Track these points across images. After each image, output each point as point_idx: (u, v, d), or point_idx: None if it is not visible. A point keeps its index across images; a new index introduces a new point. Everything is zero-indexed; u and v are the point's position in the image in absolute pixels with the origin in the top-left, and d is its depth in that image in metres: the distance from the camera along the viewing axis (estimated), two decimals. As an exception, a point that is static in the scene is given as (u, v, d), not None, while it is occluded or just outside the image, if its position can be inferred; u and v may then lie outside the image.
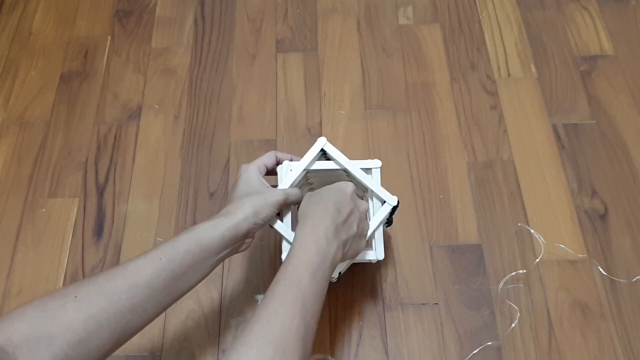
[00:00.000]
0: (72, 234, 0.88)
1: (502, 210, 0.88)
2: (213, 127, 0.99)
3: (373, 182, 0.71)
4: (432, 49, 1.06)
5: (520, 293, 0.81)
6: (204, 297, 0.81)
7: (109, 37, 1.10)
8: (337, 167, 0.72)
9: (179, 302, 0.60)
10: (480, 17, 1.10)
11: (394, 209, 0.71)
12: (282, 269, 0.57)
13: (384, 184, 0.86)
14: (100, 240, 0.87)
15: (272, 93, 1.02)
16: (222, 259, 0.61)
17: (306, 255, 0.57)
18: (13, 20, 1.13)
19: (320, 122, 0.98)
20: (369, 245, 0.73)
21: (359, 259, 0.71)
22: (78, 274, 0.84)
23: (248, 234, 0.63)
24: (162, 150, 0.96)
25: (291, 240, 0.65)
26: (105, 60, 1.07)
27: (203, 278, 0.60)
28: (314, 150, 0.71)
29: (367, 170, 0.72)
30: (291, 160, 0.73)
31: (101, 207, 0.90)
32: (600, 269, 0.82)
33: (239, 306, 0.81)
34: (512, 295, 0.81)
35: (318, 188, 0.74)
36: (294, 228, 0.71)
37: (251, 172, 0.68)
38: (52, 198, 0.91)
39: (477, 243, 0.85)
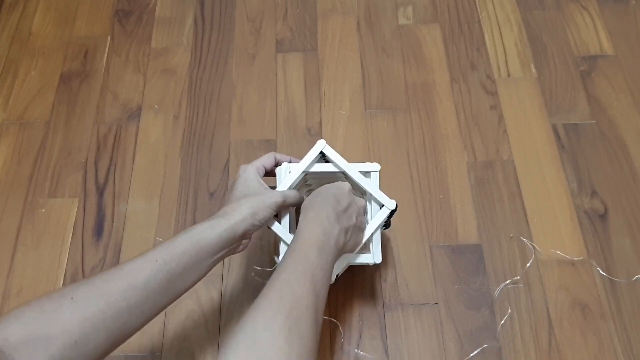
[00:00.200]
0: (72, 234, 0.88)
1: (502, 210, 0.88)
2: (213, 127, 0.99)
3: (371, 185, 0.71)
4: (432, 49, 1.06)
5: (520, 293, 0.81)
6: (204, 297, 0.81)
7: (109, 37, 1.10)
8: (336, 170, 0.72)
9: (179, 302, 0.60)
10: (480, 17, 1.10)
11: (392, 212, 0.71)
12: (289, 249, 0.59)
13: (384, 184, 0.86)
14: (100, 240, 0.87)
15: (272, 93, 1.02)
16: (219, 260, 0.61)
17: (311, 235, 0.60)
18: (13, 20, 1.13)
19: (320, 122, 0.98)
20: (366, 248, 0.73)
21: (356, 261, 0.71)
22: (78, 274, 0.84)
23: (245, 235, 0.63)
24: (162, 150, 0.96)
25: (289, 242, 0.65)
26: (105, 60, 1.07)
27: (200, 279, 0.60)
28: (313, 153, 0.71)
29: (366, 174, 0.72)
30: (290, 162, 0.73)
31: (101, 207, 0.90)
32: (600, 270, 0.82)
33: (239, 306, 0.81)
34: (512, 295, 0.81)
35: (303, 204, 0.74)
36: (292, 230, 0.71)
37: (250, 173, 0.68)
38: (52, 198, 0.91)
39: (477, 243, 0.85)
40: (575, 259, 0.83)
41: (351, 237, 0.66)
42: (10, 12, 1.14)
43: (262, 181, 0.68)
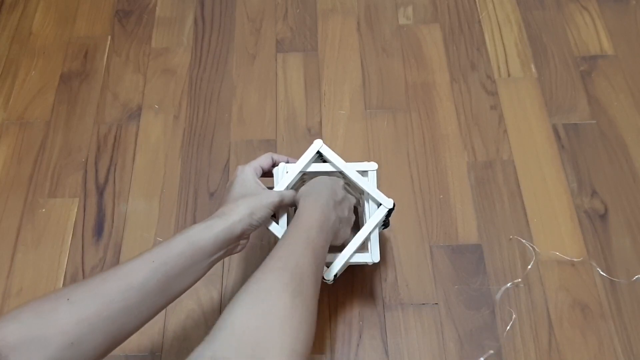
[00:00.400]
0: (72, 234, 0.88)
1: (502, 210, 0.88)
2: (213, 127, 0.99)
3: (369, 184, 0.71)
4: (432, 49, 1.06)
5: (520, 293, 0.81)
6: (203, 297, 0.81)
7: (109, 37, 1.10)
8: (333, 170, 0.72)
9: (178, 302, 0.60)
10: (480, 17, 1.10)
11: (390, 211, 0.71)
12: (290, 227, 0.62)
13: (384, 184, 0.86)
14: (100, 240, 0.87)
15: (272, 93, 1.02)
16: (216, 261, 0.61)
17: (312, 216, 0.63)
18: (13, 20, 1.13)
19: (320, 122, 0.98)
20: (365, 247, 0.73)
21: (355, 261, 0.71)
22: (78, 274, 0.84)
23: (243, 236, 0.63)
24: (162, 150, 0.96)
25: None
26: (105, 60, 1.07)
27: (197, 279, 0.60)
28: (310, 153, 0.71)
29: (363, 173, 0.72)
30: (287, 162, 0.73)
31: (101, 207, 0.90)
32: (599, 270, 0.82)
33: (239, 306, 0.81)
34: (512, 295, 0.81)
35: (303, 187, 0.75)
36: None
37: (247, 174, 0.68)
38: (52, 198, 0.91)
39: (477, 243, 0.85)
40: (575, 259, 0.83)
41: (342, 228, 0.68)
42: (10, 12, 1.14)
43: (259, 181, 0.68)
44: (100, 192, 0.92)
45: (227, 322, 0.47)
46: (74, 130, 0.99)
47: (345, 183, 0.74)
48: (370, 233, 0.70)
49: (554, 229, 0.86)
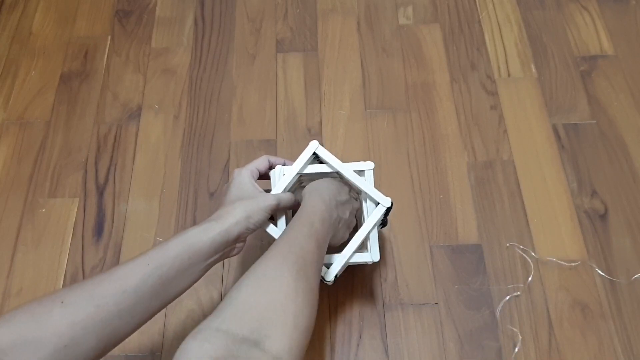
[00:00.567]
0: (72, 234, 0.88)
1: (502, 210, 0.88)
2: (213, 127, 0.99)
3: (366, 184, 0.71)
4: (432, 49, 1.06)
5: (520, 293, 0.81)
6: (204, 297, 0.81)
7: (109, 37, 1.10)
8: (330, 170, 0.71)
9: (179, 302, 0.60)
10: (480, 17, 1.10)
11: (388, 210, 0.71)
12: (294, 218, 0.64)
13: (384, 183, 0.86)
14: (100, 240, 0.87)
15: (272, 93, 1.02)
16: (212, 264, 0.61)
17: (315, 208, 0.65)
18: (13, 20, 1.13)
19: (320, 122, 0.98)
20: (364, 247, 0.73)
21: (354, 260, 0.71)
22: (78, 274, 0.84)
23: (239, 239, 0.63)
24: (162, 150, 0.96)
25: None
26: (105, 60, 1.07)
27: (193, 283, 0.60)
28: (306, 154, 0.71)
29: (360, 173, 0.72)
30: (284, 164, 0.73)
31: (101, 207, 0.90)
32: (599, 271, 0.82)
33: (239, 306, 0.81)
34: (512, 296, 0.81)
35: (308, 184, 0.75)
36: None
37: (244, 177, 0.67)
38: (52, 198, 0.91)
39: (477, 243, 0.85)
40: (575, 259, 0.83)
41: (342, 228, 0.70)
42: (10, 12, 1.14)
43: (256, 184, 0.68)
44: (100, 192, 0.92)
45: (233, 298, 0.49)
46: (74, 130, 0.99)
47: (350, 189, 0.74)
48: (369, 232, 0.70)
49: (554, 229, 0.86)
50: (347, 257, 0.69)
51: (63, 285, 0.84)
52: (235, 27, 1.11)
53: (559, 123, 0.97)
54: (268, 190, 0.70)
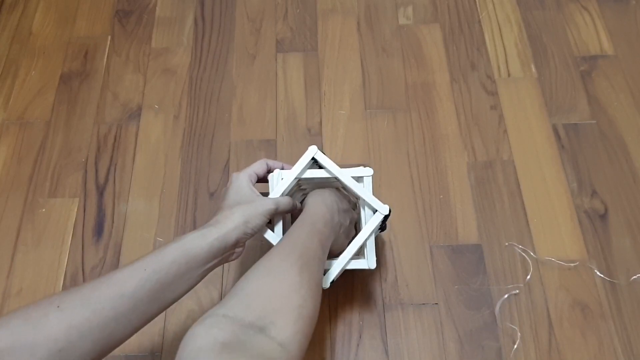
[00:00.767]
0: (72, 234, 0.88)
1: (502, 210, 0.88)
2: (213, 127, 0.99)
3: (364, 190, 0.70)
4: (432, 49, 1.06)
5: (520, 293, 0.81)
6: (204, 297, 0.81)
7: (109, 37, 1.10)
8: (329, 176, 0.71)
9: (179, 302, 0.60)
10: (480, 17, 1.10)
11: (386, 217, 0.71)
12: (297, 220, 0.65)
13: (384, 184, 0.86)
14: (100, 240, 0.87)
15: (272, 93, 1.02)
16: (210, 269, 0.61)
17: (318, 211, 0.67)
18: (13, 20, 1.13)
19: (320, 122, 0.98)
20: (361, 253, 0.73)
21: (351, 266, 0.71)
22: (78, 274, 0.84)
23: (237, 244, 0.63)
24: (162, 150, 0.96)
25: None
26: (105, 60, 1.07)
27: (191, 288, 0.60)
28: (305, 159, 0.70)
29: (359, 179, 0.71)
30: (282, 168, 0.73)
31: (101, 207, 0.90)
32: (597, 272, 0.82)
33: (239, 306, 0.81)
34: (511, 296, 0.81)
35: (311, 191, 0.75)
36: None
37: (242, 181, 0.67)
38: (52, 198, 0.91)
39: (477, 243, 0.85)
40: (575, 259, 0.83)
41: (341, 235, 0.70)
42: (10, 12, 1.14)
43: (254, 189, 0.67)
44: (100, 192, 0.92)
45: (239, 289, 0.51)
46: (74, 130, 0.99)
47: (350, 199, 0.75)
48: (366, 240, 0.70)
49: (554, 229, 0.86)
50: (344, 263, 0.69)
51: (63, 285, 0.84)
52: (235, 27, 1.11)
53: (559, 123, 0.97)
54: (266, 194, 0.70)
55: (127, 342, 0.54)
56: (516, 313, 0.79)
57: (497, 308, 0.80)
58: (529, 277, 0.82)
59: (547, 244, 0.85)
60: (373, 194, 0.71)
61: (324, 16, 1.11)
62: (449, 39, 1.07)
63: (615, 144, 0.94)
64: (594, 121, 0.97)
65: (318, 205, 0.68)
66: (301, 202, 0.74)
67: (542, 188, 0.90)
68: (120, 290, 0.52)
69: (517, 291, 0.81)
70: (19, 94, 1.03)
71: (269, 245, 0.69)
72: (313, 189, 0.76)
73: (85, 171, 0.94)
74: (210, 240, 0.59)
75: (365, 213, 0.71)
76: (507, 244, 0.85)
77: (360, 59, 1.05)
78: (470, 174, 0.92)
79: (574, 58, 1.04)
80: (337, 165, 0.71)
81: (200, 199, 0.91)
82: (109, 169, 0.94)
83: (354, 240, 0.70)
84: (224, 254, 0.61)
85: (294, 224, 0.65)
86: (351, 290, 0.82)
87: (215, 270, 0.62)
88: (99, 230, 0.88)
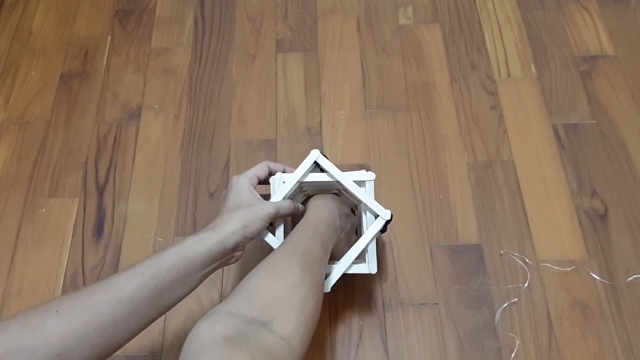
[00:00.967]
0: (72, 234, 0.88)
1: (502, 210, 0.88)
2: (213, 127, 0.99)
3: (366, 195, 0.70)
4: (432, 49, 1.06)
5: (520, 293, 0.81)
6: (204, 297, 0.81)
7: (109, 37, 1.10)
8: (331, 180, 0.70)
9: (178, 302, 0.60)
10: (480, 17, 1.10)
11: (387, 222, 0.70)
12: (299, 223, 0.66)
13: (385, 184, 0.86)
14: (100, 240, 0.87)
15: (272, 93, 1.02)
16: (209, 273, 0.61)
17: (320, 214, 0.68)
18: (13, 20, 1.13)
19: (320, 122, 0.98)
20: (362, 258, 0.72)
21: (352, 271, 0.71)
22: (78, 274, 0.84)
23: (236, 248, 0.62)
24: (162, 150, 0.96)
25: None
26: (105, 60, 1.07)
27: (190, 292, 0.59)
28: (308, 163, 0.70)
29: (361, 183, 0.71)
30: (284, 171, 0.72)
31: (101, 207, 0.90)
32: (593, 275, 0.82)
33: (239, 306, 0.81)
34: (512, 295, 0.81)
35: (312, 194, 0.75)
36: None
37: (242, 184, 0.67)
38: (52, 198, 0.91)
39: (477, 243, 0.85)
40: (575, 259, 0.83)
41: (343, 239, 0.71)
42: (10, 12, 1.14)
43: (255, 192, 0.67)
44: (100, 192, 0.92)
45: (243, 287, 0.52)
46: (74, 130, 0.99)
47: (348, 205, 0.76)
48: (367, 244, 0.70)
49: (554, 229, 0.86)
50: (345, 267, 0.69)
51: (63, 285, 0.84)
52: (235, 27, 1.11)
53: (559, 123, 0.97)
54: (267, 196, 0.69)
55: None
56: (516, 313, 0.79)
57: (497, 314, 0.80)
58: (526, 285, 0.82)
59: (547, 244, 0.85)
60: (374, 197, 0.71)
61: (324, 16, 1.11)
62: (449, 39, 1.07)
63: (615, 144, 0.94)
64: (594, 121, 0.97)
65: (320, 209, 0.69)
66: (301, 204, 0.74)
67: (542, 188, 0.90)
68: (119, 295, 0.52)
69: (515, 299, 0.81)
70: (19, 94, 1.03)
71: (269, 247, 0.69)
72: (314, 191, 0.76)
73: (85, 171, 0.94)
74: (209, 245, 0.59)
75: (366, 217, 0.71)
76: (501, 252, 0.84)
77: (360, 59, 1.05)
78: (470, 174, 0.92)
79: (574, 58, 1.04)
80: (338, 165, 0.70)
81: (200, 199, 0.91)
82: (109, 169, 0.94)
83: (355, 245, 0.70)
84: (222, 258, 0.61)
85: (296, 226, 0.65)
86: (351, 291, 0.82)
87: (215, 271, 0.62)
88: (99, 230, 0.88)
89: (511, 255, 0.84)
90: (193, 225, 0.89)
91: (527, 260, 0.83)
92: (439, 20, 1.10)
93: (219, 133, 0.98)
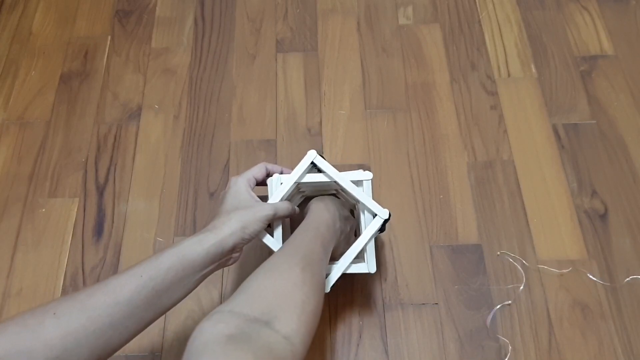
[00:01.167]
0: (72, 234, 0.88)
1: (502, 210, 0.88)
2: (213, 127, 0.99)
3: (364, 194, 0.70)
4: (432, 49, 1.06)
5: (520, 293, 0.81)
6: (204, 297, 0.81)
7: (109, 37, 1.10)
8: (328, 180, 0.71)
9: (177, 304, 0.60)
10: (480, 17, 1.10)
11: (385, 221, 0.70)
12: (300, 225, 0.66)
13: (385, 184, 0.86)
14: (100, 240, 0.87)
15: (272, 93, 1.02)
16: (207, 274, 0.61)
17: (321, 216, 0.68)
18: (13, 20, 1.13)
19: (320, 122, 0.98)
20: (361, 257, 0.72)
21: (351, 271, 0.71)
22: (78, 274, 0.84)
23: (234, 249, 0.62)
24: (162, 150, 0.96)
25: None
26: (105, 60, 1.07)
27: (188, 293, 0.60)
28: (304, 164, 0.70)
29: (358, 183, 0.71)
30: (281, 172, 0.72)
31: (101, 207, 0.90)
32: (591, 276, 0.82)
33: (239, 306, 0.81)
34: (512, 295, 0.81)
35: (310, 195, 0.75)
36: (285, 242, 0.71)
37: (240, 186, 0.67)
38: (52, 198, 0.91)
39: (477, 243, 0.85)
40: (575, 259, 0.83)
41: (342, 241, 0.71)
42: (10, 12, 1.14)
43: (252, 193, 0.67)
44: (100, 192, 0.92)
45: (245, 288, 0.52)
46: (74, 130, 0.99)
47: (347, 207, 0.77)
48: (366, 244, 0.70)
49: (554, 229, 0.86)
50: (344, 267, 0.69)
51: (63, 285, 0.84)
52: (235, 27, 1.11)
53: (559, 123, 0.97)
54: (265, 198, 0.69)
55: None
56: (516, 313, 0.79)
57: (491, 316, 0.80)
58: (522, 286, 0.82)
59: (547, 244, 0.85)
60: (373, 197, 0.71)
61: (324, 16, 1.11)
62: (449, 39, 1.07)
63: (615, 144, 0.94)
64: (594, 121, 0.97)
65: (321, 211, 0.69)
66: (299, 205, 0.74)
67: (542, 188, 0.90)
68: (117, 297, 0.52)
69: (510, 302, 0.81)
70: (19, 94, 1.03)
71: (268, 248, 0.69)
72: (312, 192, 0.76)
73: (85, 171, 0.94)
74: (207, 246, 0.59)
75: (364, 217, 0.71)
76: (498, 253, 0.84)
77: (360, 59, 1.05)
78: (470, 174, 0.92)
79: (574, 58, 1.04)
80: (338, 165, 0.71)
81: (200, 199, 0.91)
82: (109, 169, 0.94)
83: (354, 245, 0.70)
84: (220, 260, 0.61)
85: (297, 228, 0.65)
86: (351, 291, 0.82)
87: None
88: (99, 230, 0.88)
89: (507, 257, 0.84)
90: (193, 225, 0.89)
91: (524, 262, 0.83)
92: (439, 20, 1.10)
93: (219, 133, 0.98)
